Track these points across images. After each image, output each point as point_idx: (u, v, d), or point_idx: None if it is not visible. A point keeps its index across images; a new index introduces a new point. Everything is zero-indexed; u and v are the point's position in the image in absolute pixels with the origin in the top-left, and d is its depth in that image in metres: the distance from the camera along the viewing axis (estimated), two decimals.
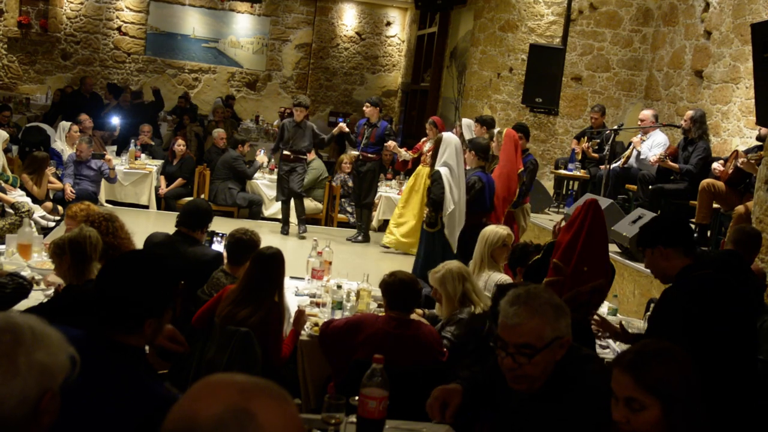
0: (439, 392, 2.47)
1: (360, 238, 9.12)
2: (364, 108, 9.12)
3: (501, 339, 2.26)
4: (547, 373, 2.25)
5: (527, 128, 7.95)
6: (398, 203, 8.93)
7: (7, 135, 8.28)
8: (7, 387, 1.48)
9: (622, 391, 1.94)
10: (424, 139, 9.10)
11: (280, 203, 9.36)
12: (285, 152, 9.03)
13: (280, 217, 9.50)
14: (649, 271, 3.35)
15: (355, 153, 9.18)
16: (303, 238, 8.94)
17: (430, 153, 7.04)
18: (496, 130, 7.50)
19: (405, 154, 9.14)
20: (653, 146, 7.84)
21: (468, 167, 6.71)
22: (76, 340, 1.77)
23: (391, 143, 8.97)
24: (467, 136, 7.99)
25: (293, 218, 9.57)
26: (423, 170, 8.63)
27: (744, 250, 4.18)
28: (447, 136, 6.63)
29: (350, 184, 9.92)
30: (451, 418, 2.44)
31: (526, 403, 2.32)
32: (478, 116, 8.98)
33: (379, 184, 10.43)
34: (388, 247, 8.67)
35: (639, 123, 8.30)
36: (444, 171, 6.34)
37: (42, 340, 1.56)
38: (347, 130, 9.24)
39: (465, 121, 8.84)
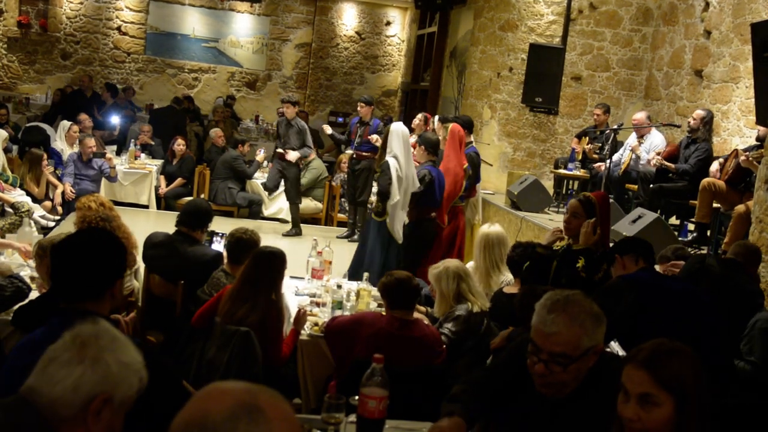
0: (448, 422, 2.29)
1: (356, 237, 9.15)
2: (359, 107, 9.13)
3: (535, 344, 2.19)
4: (579, 381, 2.21)
5: (469, 122, 7.88)
6: None
7: (7, 134, 8.27)
8: (67, 369, 1.57)
9: (637, 388, 1.91)
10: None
11: (278, 202, 9.39)
12: (278, 150, 9.05)
13: (280, 216, 9.52)
14: None
15: (350, 152, 9.18)
16: (295, 234, 9.00)
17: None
18: (438, 125, 7.49)
19: None
20: (651, 148, 7.84)
21: (418, 161, 6.70)
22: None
23: (373, 137, 8.88)
24: (439, 133, 7.98)
25: (288, 217, 9.59)
26: None
27: (744, 263, 4.23)
28: (394, 126, 6.53)
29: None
30: None
31: (552, 404, 2.27)
32: (440, 115, 8.94)
33: (374, 182, 10.42)
34: None
35: (633, 125, 8.29)
36: (392, 162, 6.28)
37: (118, 348, 1.64)
38: (330, 131, 9.26)
39: (436, 117, 8.85)
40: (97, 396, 1.57)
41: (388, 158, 6.31)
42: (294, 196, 9.14)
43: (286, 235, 9.02)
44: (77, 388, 1.56)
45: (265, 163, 10.39)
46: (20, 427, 1.56)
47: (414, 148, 6.79)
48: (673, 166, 7.26)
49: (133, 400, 1.67)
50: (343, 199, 10.09)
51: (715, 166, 6.57)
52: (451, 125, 7.16)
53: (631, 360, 1.95)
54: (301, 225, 9.54)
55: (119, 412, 1.64)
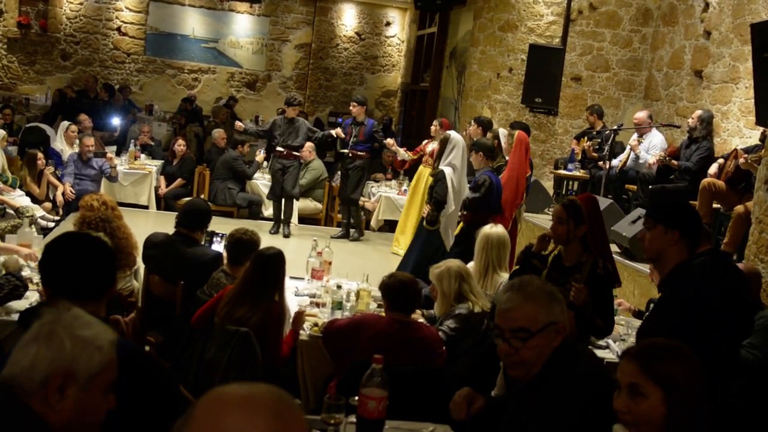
0: (467, 391, 2.54)
1: (355, 235, 9.18)
2: (351, 107, 9.15)
3: (498, 326, 2.33)
4: (544, 359, 2.28)
5: (529, 128, 8.04)
6: (403, 209, 8.93)
7: (5, 133, 8.25)
8: (25, 350, 1.63)
9: (625, 378, 1.96)
10: (427, 140, 9.14)
11: (272, 204, 9.44)
12: (278, 148, 9.07)
13: (273, 221, 9.51)
14: (646, 269, 3.36)
15: (344, 151, 9.21)
16: (287, 236, 9.04)
17: (435, 152, 7.03)
18: (503, 132, 7.56)
19: (404, 153, 9.17)
20: (650, 148, 7.85)
21: (476, 167, 6.73)
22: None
23: (389, 140, 9.07)
24: (475, 136, 8.06)
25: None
26: (425, 171, 8.68)
27: None
28: (454, 135, 6.62)
29: None
30: (476, 411, 2.50)
31: (520, 393, 2.37)
32: (476, 117, 9.02)
33: (378, 183, 10.43)
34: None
35: (634, 123, 8.32)
36: (448, 171, 6.34)
37: (77, 326, 1.68)
38: (343, 136, 9.31)
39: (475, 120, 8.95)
40: (55, 372, 1.61)
41: (444, 167, 6.36)
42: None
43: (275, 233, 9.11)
44: (34, 365, 1.61)
45: (265, 163, 10.40)
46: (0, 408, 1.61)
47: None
48: (676, 162, 7.28)
49: (106, 376, 1.68)
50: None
51: (713, 169, 6.55)
52: (516, 132, 7.18)
53: (625, 354, 2.02)
54: (300, 225, 9.55)
55: (91, 390, 1.65)
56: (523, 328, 2.26)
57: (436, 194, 6.36)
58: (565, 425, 2.15)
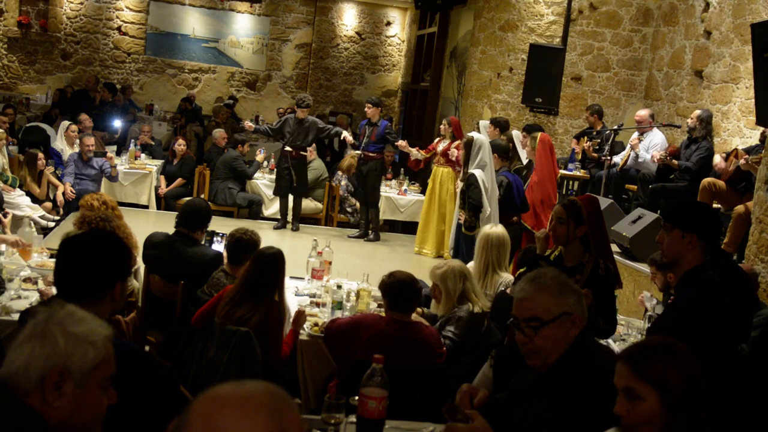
0: (466, 387, 2.59)
1: (371, 237, 9.24)
2: (366, 108, 9.19)
3: (514, 316, 2.39)
4: (560, 350, 2.31)
5: (543, 129, 8.08)
6: (422, 211, 8.95)
7: (2, 131, 8.25)
8: (20, 349, 1.64)
9: (620, 382, 1.96)
10: (438, 138, 9.17)
11: (278, 203, 9.49)
12: (287, 148, 9.13)
13: (280, 216, 9.53)
14: (647, 269, 3.36)
15: (357, 153, 9.22)
16: (296, 230, 9.22)
17: (459, 155, 7.01)
18: (518, 134, 7.58)
19: (416, 153, 9.18)
20: (650, 147, 7.85)
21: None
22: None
23: (402, 142, 9.11)
24: (491, 137, 8.08)
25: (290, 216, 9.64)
26: (439, 171, 8.69)
27: None
28: (477, 137, 6.57)
29: (343, 182, 10.00)
30: (479, 402, 2.52)
31: (534, 384, 2.39)
32: (492, 118, 9.09)
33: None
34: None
35: (636, 123, 8.33)
36: (479, 173, 6.31)
37: (70, 322, 1.67)
38: (352, 140, 9.35)
39: (482, 122, 8.94)
40: (51, 370, 1.61)
41: (474, 170, 6.34)
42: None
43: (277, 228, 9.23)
44: (29, 364, 1.61)
45: (265, 163, 10.41)
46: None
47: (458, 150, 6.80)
48: (676, 162, 7.29)
49: (103, 371, 1.67)
50: (348, 193, 10.13)
51: (718, 158, 6.59)
52: (539, 135, 7.21)
53: (620, 357, 2.03)
54: (301, 225, 9.56)
55: (88, 385, 1.65)
56: (535, 317, 2.31)
57: (471, 199, 6.30)
58: (580, 416, 2.16)
